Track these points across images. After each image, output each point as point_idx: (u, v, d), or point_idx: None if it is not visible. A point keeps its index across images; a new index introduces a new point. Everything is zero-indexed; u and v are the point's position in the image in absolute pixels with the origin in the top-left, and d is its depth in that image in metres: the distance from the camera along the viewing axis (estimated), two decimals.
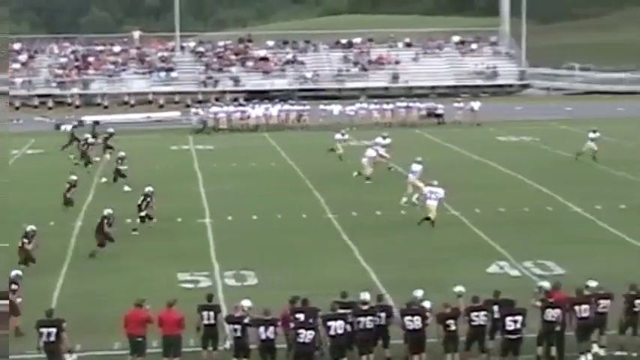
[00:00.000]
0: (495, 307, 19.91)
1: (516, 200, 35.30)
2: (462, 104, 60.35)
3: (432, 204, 31.15)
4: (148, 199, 31.44)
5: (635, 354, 20.07)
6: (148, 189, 31.74)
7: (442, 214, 31.72)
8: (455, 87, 77.20)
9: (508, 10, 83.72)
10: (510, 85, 79.76)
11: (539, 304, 19.97)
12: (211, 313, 19.86)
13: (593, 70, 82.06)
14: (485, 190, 37.38)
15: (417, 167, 35.41)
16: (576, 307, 19.89)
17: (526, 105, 69.20)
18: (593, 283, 20.50)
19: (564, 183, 38.40)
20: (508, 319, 19.44)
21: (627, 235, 29.95)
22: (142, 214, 31.23)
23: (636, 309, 20.08)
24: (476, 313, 19.67)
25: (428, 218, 31.01)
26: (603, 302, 20.13)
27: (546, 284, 20.74)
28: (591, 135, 43.40)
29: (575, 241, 29.57)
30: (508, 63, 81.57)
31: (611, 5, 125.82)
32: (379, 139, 42.11)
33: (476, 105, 59.23)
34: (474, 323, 19.67)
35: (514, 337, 19.38)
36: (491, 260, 27.23)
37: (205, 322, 19.79)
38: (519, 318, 19.41)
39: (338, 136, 45.46)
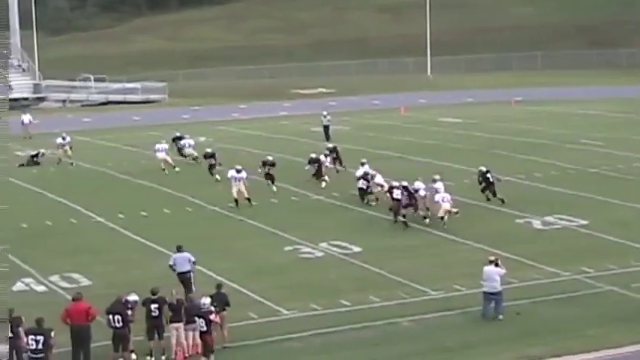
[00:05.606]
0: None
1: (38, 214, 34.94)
2: None
3: None
4: None
5: None
6: None
7: None
8: None
9: (17, 23, 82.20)
10: (25, 99, 78.07)
11: None
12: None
13: (108, 81, 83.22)
14: None
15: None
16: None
17: (43, 118, 67.13)
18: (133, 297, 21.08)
19: (86, 194, 38.71)
20: (30, 337, 19.39)
21: (147, 240, 30.78)
22: None
23: (154, 314, 20.83)
24: None
25: None
26: None
27: None
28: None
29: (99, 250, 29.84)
30: (21, 76, 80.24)
31: (121, 19, 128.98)
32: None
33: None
34: None
35: (36, 356, 19.34)
36: (15, 278, 26.18)
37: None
38: (41, 338, 19.36)
39: None
